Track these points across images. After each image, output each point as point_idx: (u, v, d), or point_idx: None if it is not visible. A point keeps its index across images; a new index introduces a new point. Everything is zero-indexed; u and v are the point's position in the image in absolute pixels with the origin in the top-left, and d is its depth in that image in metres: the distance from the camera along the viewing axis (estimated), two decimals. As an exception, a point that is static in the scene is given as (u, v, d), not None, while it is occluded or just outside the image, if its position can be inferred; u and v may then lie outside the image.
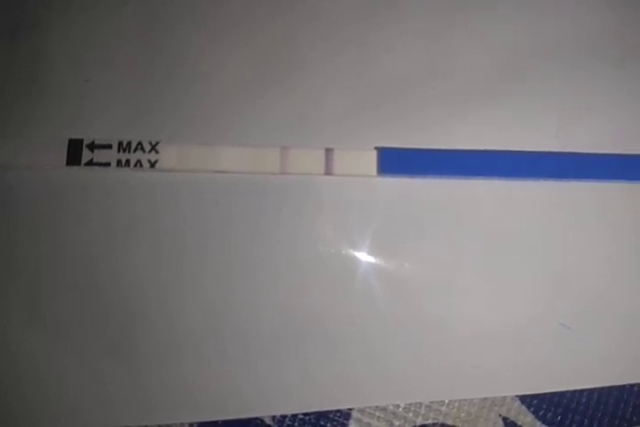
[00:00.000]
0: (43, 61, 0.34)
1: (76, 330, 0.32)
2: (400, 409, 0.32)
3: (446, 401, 0.32)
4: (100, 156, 0.32)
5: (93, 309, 0.32)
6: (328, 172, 0.32)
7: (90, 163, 0.32)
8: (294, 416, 0.31)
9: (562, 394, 0.32)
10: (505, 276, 0.32)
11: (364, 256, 0.32)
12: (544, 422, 0.32)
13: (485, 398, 0.32)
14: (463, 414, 0.32)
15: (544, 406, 0.32)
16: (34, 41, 0.34)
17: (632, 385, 0.32)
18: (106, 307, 0.32)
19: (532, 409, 0.32)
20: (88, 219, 0.32)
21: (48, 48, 0.34)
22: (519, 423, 0.32)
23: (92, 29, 0.34)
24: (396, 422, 0.32)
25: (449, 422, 0.32)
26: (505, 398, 0.32)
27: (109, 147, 0.32)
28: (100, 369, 0.31)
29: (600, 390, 0.32)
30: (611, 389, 0.32)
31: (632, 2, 0.35)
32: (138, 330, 0.32)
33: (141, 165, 0.32)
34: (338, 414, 0.31)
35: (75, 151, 0.32)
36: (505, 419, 0.32)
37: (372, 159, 0.32)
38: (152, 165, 0.32)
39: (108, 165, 0.32)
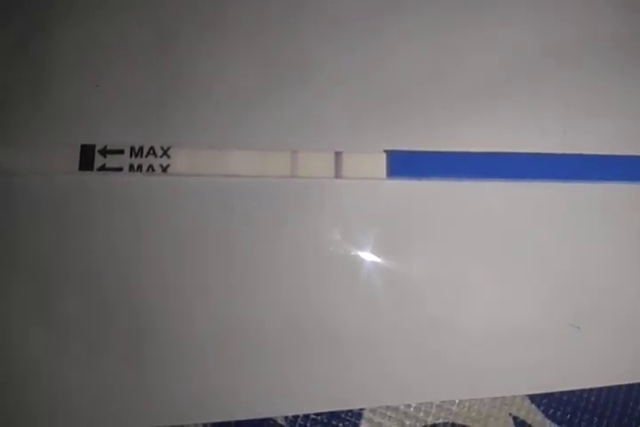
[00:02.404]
0: (52, 68, 0.34)
1: (82, 333, 0.32)
2: (411, 409, 0.32)
3: (457, 401, 0.32)
4: (112, 161, 0.32)
5: (99, 311, 0.32)
6: (338, 175, 0.32)
7: (102, 168, 0.32)
8: (306, 416, 0.32)
9: (571, 393, 0.32)
10: (514, 276, 0.32)
11: (373, 258, 0.32)
12: (554, 421, 0.32)
13: (496, 398, 0.32)
14: (474, 414, 0.32)
15: (554, 405, 0.32)
16: (43, 47, 0.34)
17: (641, 384, 0.32)
18: (115, 309, 0.32)
19: (542, 408, 0.32)
20: (101, 223, 0.33)
21: (57, 54, 0.34)
22: (529, 422, 0.32)
23: (100, 35, 0.34)
24: (407, 422, 0.32)
25: (459, 421, 0.32)
26: (515, 397, 0.32)
27: (121, 152, 0.33)
28: (108, 371, 0.32)
29: (609, 389, 0.32)
30: (620, 387, 0.32)
31: (635, 4, 0.35)
32: (147, 332, 0.32)
33: (153, 170, 0.32)
34: (349, 414, 0.32)
35: (87, 157, 0.32)
36: (515, 418, 0.32)
37: (381, 162, 0.32)
38: (164, 169, 0.32)
39: (120, 169, 0.32)
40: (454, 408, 0.32)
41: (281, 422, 0.32)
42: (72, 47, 0.34)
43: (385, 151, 0.33)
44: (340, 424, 0.32)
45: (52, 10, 0.35)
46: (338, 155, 0.33)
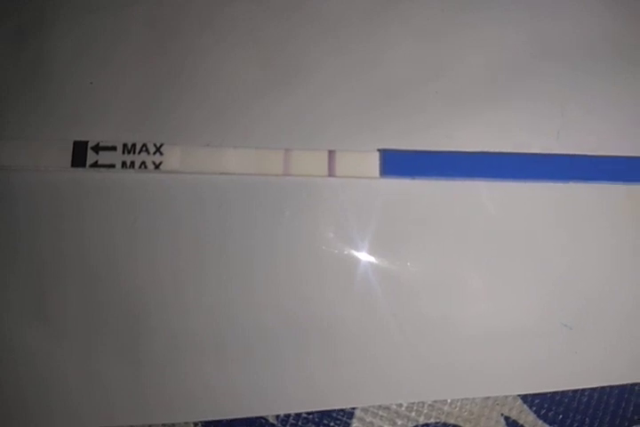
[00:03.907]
0: (47, 63, 0.34)
1: (78, 330, 0.32)
2: (403, 408, 0.32)
3: (449, 400, 0.32)
4: (104, 157, 0.32)
5: (94, 309, 0.32)
6: (331, 173, 0.32)
7: (95, 164, 0.32)
8: (298, 415, 0.32)
9: (563, 393, 0.32)
10: (506, 276, 0.32)
11: (367, 257, 0.32)
12: (545, 422, 0.32)
13: (487, 398, 0.32)
14: (465, 414, 0.32)
15: (545, 406, 0.32)
16: (38, 43, 0.34)
17: (633, 384, 0.32)
18: (110, 308, 0.32)
19: (534, 408, 0.32)
20: (92, 220, 0.32)
21: (52, 50, 0.34)
22: (521, 422, 0.32)
23: (96, 31, 0.34)
24: (399, 422, 0.32)
25: (451, 421, 0.32)
26: (507, 397, 0.32)
27: (114, 149, 0.32)
28: (102, 369, 0.32)
29: (601, 390, 0.32)
30: (612, 388, 0.32)
31: (631, 4, 0.35)
32: (141, 330, 0.32)
33: (146, 167, 0.32)
34: (341, 414, 0.32)
35: (80, 153, 0.32)
36: (507, 418, 0.32)
37: (374, 161, 0.32)
38: (156, 166, 0.32)
39: (112, 166, 0.32)
40: (446, 408, 0.32)
41: (272, 420, 0.32)
42: (67, 44, 0.34)
43: (378, 150, 0.33)
44: (332, 423, 0.32)
45: (49, 8, 0.35)
46: (331, 153, 0.32)
